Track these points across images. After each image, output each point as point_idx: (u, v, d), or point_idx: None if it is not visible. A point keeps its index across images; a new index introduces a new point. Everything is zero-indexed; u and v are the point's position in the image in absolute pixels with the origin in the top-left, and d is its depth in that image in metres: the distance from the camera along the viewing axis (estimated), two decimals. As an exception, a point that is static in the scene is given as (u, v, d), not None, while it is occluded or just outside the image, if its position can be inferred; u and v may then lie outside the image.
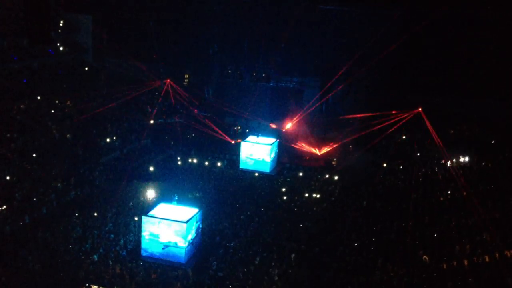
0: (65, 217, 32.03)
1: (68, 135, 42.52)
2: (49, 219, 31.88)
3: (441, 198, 36.70)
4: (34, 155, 37.80)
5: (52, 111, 45.06)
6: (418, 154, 47.81)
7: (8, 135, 38.71)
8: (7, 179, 34.02)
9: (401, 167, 45.02)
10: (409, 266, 27.09)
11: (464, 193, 35.52)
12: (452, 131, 51.09)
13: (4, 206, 31.29)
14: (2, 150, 36.65)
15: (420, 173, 42.70)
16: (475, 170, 41.90)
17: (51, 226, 30.43)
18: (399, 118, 46.17)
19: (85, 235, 29.52)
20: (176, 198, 29.38)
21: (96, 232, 29.99)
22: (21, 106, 43.42)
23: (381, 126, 46.48)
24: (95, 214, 32.49)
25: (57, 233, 29.54)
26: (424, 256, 27.68)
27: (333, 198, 38.05)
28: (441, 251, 28.38)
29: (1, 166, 35.02)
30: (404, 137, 51.44)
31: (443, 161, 44.03)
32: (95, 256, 27.40)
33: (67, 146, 41.13)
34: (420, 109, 44.99)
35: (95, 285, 25.07)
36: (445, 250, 28.43)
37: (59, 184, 35.66)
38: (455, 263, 26.97)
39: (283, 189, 39.65)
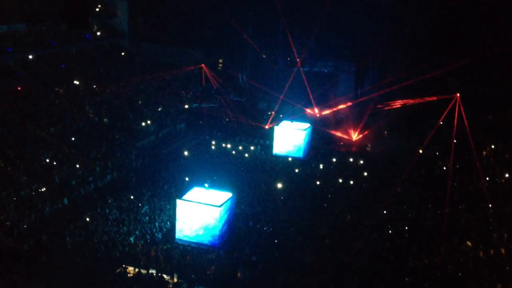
0: (102, 199, 32.74)
1: (105, 119, 43.24)
2: (87, 202, 32.63)
3: (478, 185, 36.01)
4: (72, 138, 38.62)
5: (90, 95, 45.88)
6: (455, 141, 46.89)
7: (47, 119, 39.62)
8: (46, 162, 34.90)
9: (437, 153, 44.25)
10: (444, 253, 26.76)
11: (502, 180, 34.77)
12: (490, 117, 49.84)
13: (44, 189, 32.15)
14: (41, 134, 37.57)
15: (457, 160, 41.90)
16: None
17: (88, 208, 31.17)
18: (437, 103, 45.28)
19: (122, 217, 30.13)
20: (208, 184, 29.48)
21: (132, 214, 30.58)
22: (60, 90, 44.34)
23: (417, 111, 45.71)
24: (131, 197, 33.08)
25: (94, 215, 30.23)
26: (468, 242, 27.28)
27: (364, 185, 37.74)
28: (478, 239, 27.93)
29: (41, 149, 35.93)
30: (441, 123, 50.49)
31: (480, 147, 43.08)
32: (131, 238, 27.96)
33: (104, 130, 41.86)
34: (458, 95, 43.99)
35: (131, 266, 25.61)
36: (482, 238, 27.97)
37: (96, 167, 36.38)
38: (492, 251, 26.52)
39: (317, 175, 39.54)
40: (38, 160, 34.76)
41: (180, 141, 46.52)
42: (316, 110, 54.00)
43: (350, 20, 53.93)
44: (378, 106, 51.30)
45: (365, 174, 39.85)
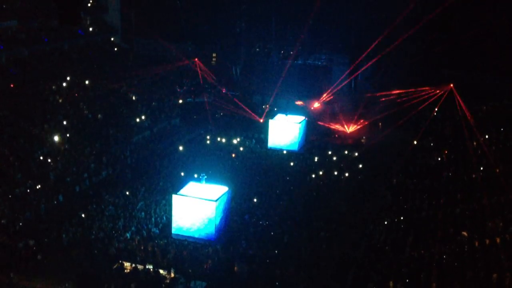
0: (97, 195, 32.66)
1: (99, 115, 43.07)
2: (82, 198, 32.55)
3: (473, 175, 36.13)
4: (67, 135, 38.47)
5: (83, 91, 45.68)
6: (450, 131, 47.01)
7: (40, 116, 39.43)
8: (41, 159, 34.77)
9: (432, 144, 44.37)
10: (440, 244, 26.86)
11: (497, 170, 34.87)
12: (484, 108, 49.99)
13: (39, 186, 32.04)
14: (35, 131, 37.41)
15: (451, 150, 42.03)
16: (508, 147, 41.01)
17: (84, 205, 31.10)
18: (430, 94, 45.35)
19: (118, 213, 30.07)
20: (205, 177, 29.53)
21: (128, 210, 30.51)
22: (53, 87, 44.13)
23: (411, 102, 45.75)
24: (127, 192, 33.01)
25: (90, 212, 30.16)
26: (463, 232, 27.38)
27: (359, 177, 37.78)
28: (473, 229, 28.03)
29: (35, 146, 35.79)
30: (435, 114, 50.59)
31: (475, 138, 43.22)
32: (127, 234, 27.92)
33: (99, 126, 41.71)
34: (451, 85, 44.08)
35: (128, 262, 25.59)
36: (477, 228, 28.07)
37: (91, 164, 36.28)
38: (487, 240, 26.63)
39: (312, 167, 39.56)
40: (33, 157, 34.63)
41: (175, 136, 46.42)
42: (311, 103, 53.96)
43: (343, 12, 53.85)
44: (368, 95, 51.34)
45: (360, 166, 39.91)
